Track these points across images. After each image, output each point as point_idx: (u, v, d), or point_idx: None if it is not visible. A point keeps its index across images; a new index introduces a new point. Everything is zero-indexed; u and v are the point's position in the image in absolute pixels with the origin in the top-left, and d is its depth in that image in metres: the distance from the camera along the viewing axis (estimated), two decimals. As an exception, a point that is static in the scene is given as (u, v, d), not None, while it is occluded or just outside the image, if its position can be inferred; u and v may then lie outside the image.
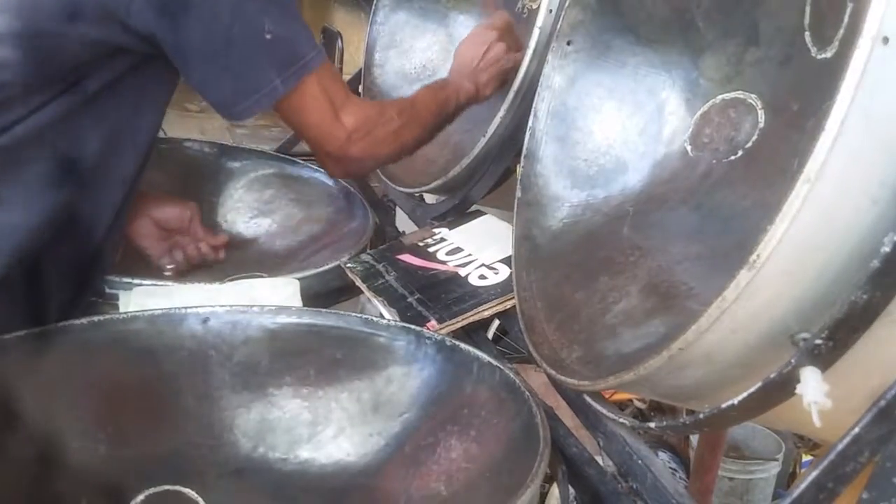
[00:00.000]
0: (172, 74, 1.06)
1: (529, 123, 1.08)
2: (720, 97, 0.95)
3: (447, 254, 1.23)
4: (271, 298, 1.09)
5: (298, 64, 1.02)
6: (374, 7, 1.63)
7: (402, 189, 1.47)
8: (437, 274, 1.18)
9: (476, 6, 1.52)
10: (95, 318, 0.93)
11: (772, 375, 0.57)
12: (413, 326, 0.97)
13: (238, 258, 1.35)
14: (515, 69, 1.23)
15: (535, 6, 1.24)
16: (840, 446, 0.56)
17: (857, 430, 0.56)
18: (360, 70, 1.66)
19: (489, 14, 1.44)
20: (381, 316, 1.09)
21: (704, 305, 0.59)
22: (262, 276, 1.17)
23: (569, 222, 1.02)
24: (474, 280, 1.14)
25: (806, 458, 2.14)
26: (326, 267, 1.23)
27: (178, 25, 0.97)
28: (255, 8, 0.99)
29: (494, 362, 0.88)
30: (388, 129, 1.14)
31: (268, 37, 0.98)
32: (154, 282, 1.13)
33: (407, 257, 1.23)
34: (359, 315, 1.00)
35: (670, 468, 1.97)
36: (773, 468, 2.02)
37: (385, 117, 1.14)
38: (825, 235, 0.55)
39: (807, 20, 0.76)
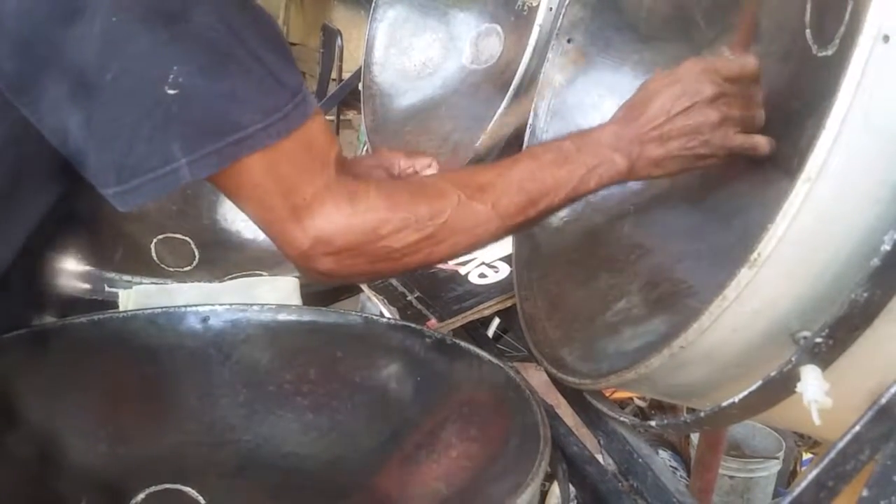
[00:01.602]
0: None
1: (529, 121, 1.08)
2: (721, 95, 0.94)
3: (447, 252, 1.22)
4: (271, 297, 1.08)
5: (228, 139, 0.65)
6: (373, 4, 1.63)
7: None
8: (437, 272, 1.18)
9: (477, 3, 1.52)
10: (95, 317, 0.93)
11: (772, 374, 0.57)
12: (413, 325, 0.97)
13: (238, 257, 1.34)
14: (723, 157, 0.80)
15: (535, 3, 1.23)
16: (840, 444, 0.56)
17: (857, 428, 0.56)
18: (360, 68, 1.66)
19: (731, 53, 0.86)
20: (382, 314, 1.09)
21: (705, 304, 0.59)
22: (261, 275, 1.17)
23: (569, 220, 1.02)
24: (474, 278, 1.14)
25: (806, 456, 2.15)
26: (326, 265, 1.23)
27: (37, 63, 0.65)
28: (151, 43, 0.63)
29: (495, 361, 0.88)
30: (399, 243, 0.73)
31: (170, 92, 0.63)
32: (154, 280, 1.13)
33: (407, 256, 1.23)
34: (359, 313, 1.00)
35: (671, 467, 1.97)
36: (774, 466, 2.02)
37: (397, 224, 0.72)
38: (825, 234, 0.55)
39: (808, 18, 0.76)
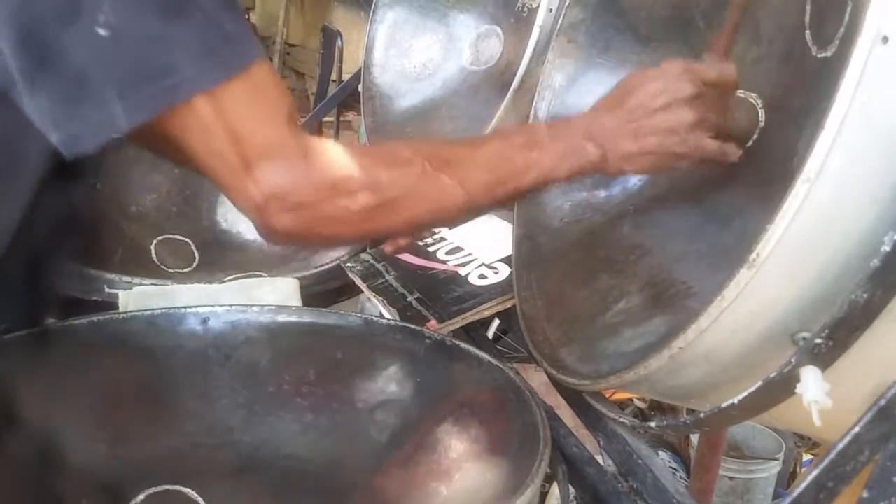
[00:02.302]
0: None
1: (530, 122, 1.08)
2: (720, 96, 0.94)
3: (447, 253, 1.22)
4: (271, 298, 1.09)
5: (162, 82, 0.63)
6: (373, 6, 1.63)
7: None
8: (436, 273, 1.18)
9: (477, 5, 1.52)
10: (95, 318, 0.93)
11: (772, 375, 0.57)
12: (413, 326, 0.97)
13: (238, 258, 1.35)
14: (695, 160, 0.80)
15: (534, 5, 1.23)
16: (840, 445, 0.56)
17: (857, 429, 0.56)
18: (360, 69, 1.66)
19: (711, 58, 0.85)
20: (381, 315, 1.09)
21: (704, 305, 0.59)
22: (261, 276, 1.17)
23: (569, 221, 1.02)
24: (474, 279, 1.14)
25: (806, 457, 2.15)
26: (326, 266, 1.23)
27: None
28: None
29: (494, 362, 0.88)
30: (357, 205, 0.70)
31: (101, 32, 0.60)
32: (154, 281, 1.13)
33: (407, 257, 1.23)
34: (359, 315, 1.00)
35: (671, 468, 1.97)
36: (774, 467, 2.02)
37: (355, 184, 0.70)
38: (825, 234, 0.55)
39: (807, 19, 0.76)
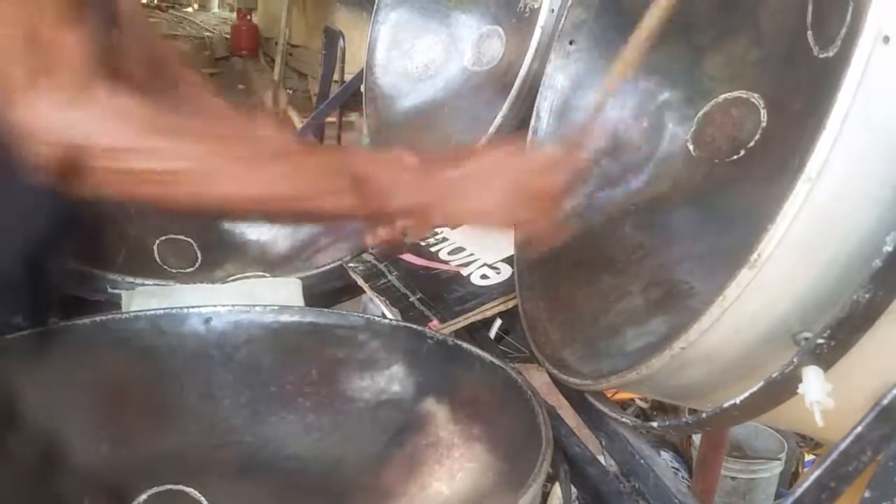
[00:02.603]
0: None
1: (532, 123, 1.08)
2: (723, 96, 0.94)
3: (449, 253, 1.22)
4: (273, 298, 1.09)
5: None
6: (375, 6, 1.63)
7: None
8: (439, 273, 1.18)
9: (479, 5, 1.52)
10: (98, 318, 0.93)
11: (774, 375, 0.57)
12: (415, 326, 0.97)
13: (240, 258, 1.35)
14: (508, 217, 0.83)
15: (536, 5, 1.23)
16: (842, 445, 0.56)
17: (859, 429, 0.56)
18: (362, 70, 1.66)
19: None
20: (384, 315, 1.09)
21: (706, 304, 0.59)
22: (264, 276, 1.17)
23: (571, 221, 1.02)
24: (476, 279, 1.14)
25: (808, 457, 2.14)
26: (328, 266, 1.23)
27: None
28: None
29: (496, 362, 0.88)
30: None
31: None
32: (156, 282, 1.13)
33: (409, 257, 1.23)
34: (361, 315, 1.00)
35: (673, 468, 1.97)
36: (776, 467, 2.02)
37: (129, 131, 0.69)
38: (826, 234, 0.55)
39: (809, 19, 0.76)
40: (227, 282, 1.15)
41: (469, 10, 1.57)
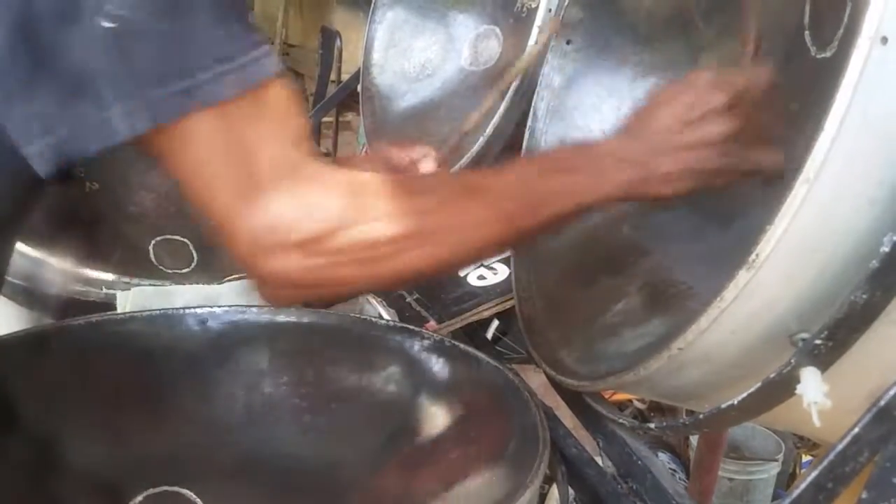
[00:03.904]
0: None
1: (529, 123, 1.08)
2: (720, 96, 0.94)
3: (446, 254, 1.22)
4: (270, 299, 1.08)
5: (173, 87, 0.54)
6: (372, 6, 1.63)
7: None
8: (436, 274, 1.17)
9: (476, 5, 1.52)
10: (93, 319, 0.93)
11: (772, 376, 0.57)
12: (412, 327, 0.97)
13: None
14: (744, 175, 0.73)
15: (534, 5, 1.23)
16: (840, 446, 0.56)
17: (856, 430, 0.56)
18: (359, 70, 1.66)
19: (744, 50, 0.83)
20: (380, 316, 1.09)
21: (704, 305, 0.59)
22: (260, 277, 1.16)
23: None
24: (473, 280, 1.14)
25: (806, 458, 2.15)
26: (325, 267, 1.23)
27: None
28: None
29: (493, 363, 0.88)
30: (373, 237, 0.61)
31: (105, 24, 0.52)
32: (152, 282, 1.13)
33: (406, 257, 1.23)
34: (358, 315, 1.00)
35: (670, 469, 1.97)
36: (773, 469, 2.02)
37: (372, 213, 0.61)
38: (824, 235, 0.55)
39: (806, 20, 0.76)
40: (224, 282, 1.15)
41: (466, 9, 1.56)
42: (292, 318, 0.98)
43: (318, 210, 0.59)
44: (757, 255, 0.55)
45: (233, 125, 0.57)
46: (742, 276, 0.56)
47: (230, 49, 0.56)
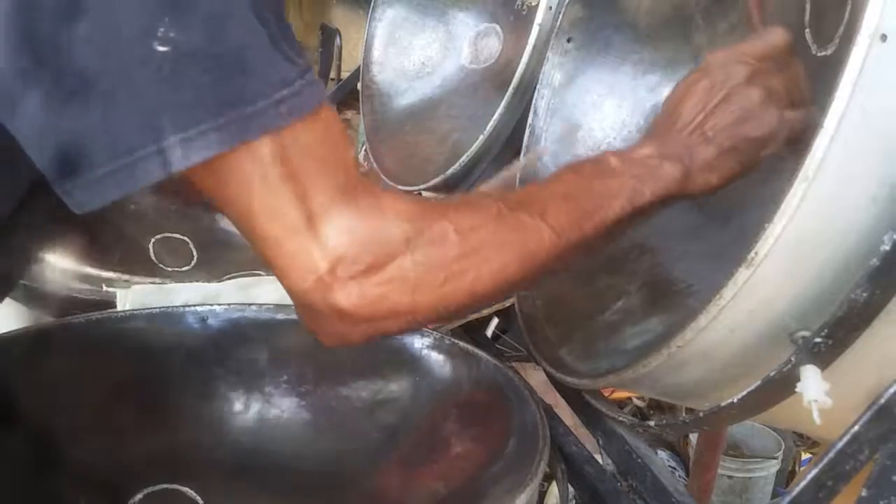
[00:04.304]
0: None
1: (529, 121, 1.08)
2: (720, 94, 0.94)
3: (446, 252, 1.22)
4: (269, 297, 1.08)
5: (231, 113, 0.51)
6: (372, 4, 1.63)
7: (400, 187, 1.47)
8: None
9: (477, 3, 1.52)
10: (94, 317, 0.93)
11: (771, 374, 0.57)
12: (412, 325, 0.97)
13: (236, 257, 1.34)
14: (786, 141, 0.70)
15: (534, 3, 1.23)
16: (839, 444, 0.56)
17: (856, 428, 0.56)
18: (359, 67, 1.66)
19: (751, 30, 0.82)
20: (380, 314, 1.09)
21: (703, 303, 0.59)
22: (260, 275, 1.16)
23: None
24: (473, 278, 1.13)
25: (805, 456, 2.15)
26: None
27: None
28: None
29: (493, 361, 0.88)
30: (436, 257, 0.58)
31: (159, 48, 0.49)
32: (152, 280, 1.13)
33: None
34: (357, 313, 1.00)
35: (670, 467, 1.97)
36: (773, 466, 2.02)
37: (433, 232, 0.58)
38: (824, 233, 0.55)
39: (807, 17, 0.76)
40: (224, 280, 1.14)
41: (466, 7, 1.56)
42: (292, 316, 0.97)
43: (380, 236, 0.56)
44: (756, 252, 0.55)
45: (289, 153, 0.54)
46: (741, 273, 0.56)
47: (287, 73, 0.53)
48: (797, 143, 0.69)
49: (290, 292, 0.58)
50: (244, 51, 0.52)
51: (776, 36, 0.72)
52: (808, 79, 0.72)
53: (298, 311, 0.60)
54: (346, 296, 0.56)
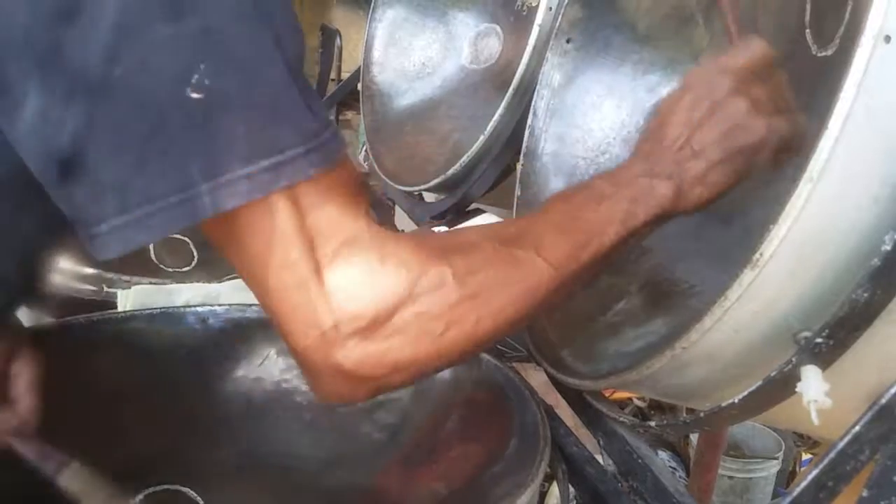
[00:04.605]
0: None
1: (529, 121, 1.08)
2: (721, 95, 0.94)
3: (447, 252, 1.22)
4: (270, 297, 1.08)
5: (263, 162, 0.51)
6: (372, 4, 1.63)
7: (400, 187, 1.47)
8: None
9: (477, 3, 1.52)
10: (94, 317, 0.93)
11: (772, 374, 0.57)
12: (412, 325, 0.97)
13: (237, 257, 1.34)
14: (776, 149, 0.69)
15: (534, 4, 1.23)
16: (840, 445, 0.56)
17: (857, 428, 0.56)
18: (359, 68, 1.66)
19: (729, 42, 0.83)
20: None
21: (707, 304, 0.59)
22: (261, 275, 1.16)
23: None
24: (474, 278, 1.13)
25: (806, 456, 2.15)
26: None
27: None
28: (174, 32, 0.49)
29: (494, 361, 0.88)
30: (438, 304, 0.57)
31: (193, 96, 0.49)
32: (153, 280, 1.13)
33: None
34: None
35: (670, 467, 1.97)
36: (773, 467, 2.02)
37: (433, 279, 0.57)
38: (827, 233, 0.55)
39: (807, 18, 0.76)
40: (224, 281, 1.15)
41: (467, 8, 1.56)
42: (293, 317, 0.98)
43: (383, 290, 0.55)
44: (761, 254, 0.55)
45: (307, 204, 0.53)
46: (747, 275, 0.56)
47: (314, 125, 0.53)
48: (788, 151, 0.69)
49: (293, 352, 0.56)
50: (277, 101, 0.52)
51: (756, 46, 0.72)
52: (792, 87, 0.72)
53: (304, 373, 0.59)
54: (348, 354, 0.54)
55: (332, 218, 0.54)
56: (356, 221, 0.55)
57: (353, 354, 0.54)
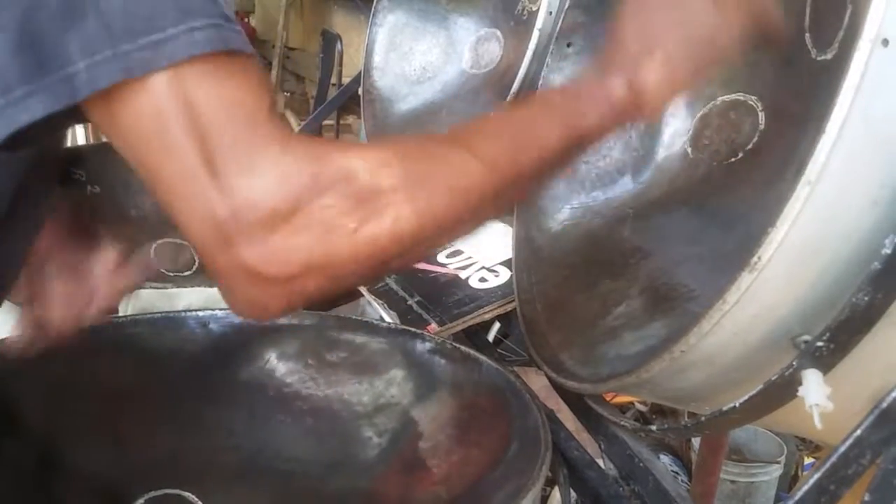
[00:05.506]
0: None
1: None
2: (720, 99, 0.94)
3: (447, 256, 1.22)
4: (271, 301, 1.08)
5: (141, 39, 0.49)
6: (373, 9, 1.63)
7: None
8: (437, 276, 1.17)
9: (477, 8, 1.52)
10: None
11: (773, 378, 0.57)
12: (413, 329, 0.97)
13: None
14: (739, 33, 0.66)
15: (534, 8, 1.23)
16: (842, 449, 0.56)
17: (858, 432, 0.56)
18: (360, 73, 1.66)
19: None
20: (382, 319, 1.09)
21: (706, 308, 0.59)
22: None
23: (569, 224, 1.02)
24: (475, 282, 1.14)
25: (808, 460, 2.14)
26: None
27: None
28: None
29: (495, 365, 0.88)
30: (354, 196, 0.52)
31: None
32: (154, 285, 1.13)
33: (407, 260, 1.23)
34: (359, 318, 1.00)
35: (672, 471, 1.97)
36: (775, 471, 2.01)
37: (347, 169, 0.52)
38: (826, 237, 0.55)
39: (807, 22, 0.76)
40: (225, 285, 1.15)
41: (467, 12, 1.57)
42: (294, 321, 0.98)
43: (284, 180, 0.50)
44: (759, 257, 0.55)
45: (194, 87, 0.50)
46: (745, 278, 0.56)
47: (202, 7, 0.50)
48: (757, 40, 0.66)
49: (197, 251, 0.52)
50: None
51: None
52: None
53: (217, 284, 0.54)
54: (251, 249, 0.50)
55: (226, 104, 0.51)
56: (257, 111, 0.51)
57: (257, 249, 0.50)
